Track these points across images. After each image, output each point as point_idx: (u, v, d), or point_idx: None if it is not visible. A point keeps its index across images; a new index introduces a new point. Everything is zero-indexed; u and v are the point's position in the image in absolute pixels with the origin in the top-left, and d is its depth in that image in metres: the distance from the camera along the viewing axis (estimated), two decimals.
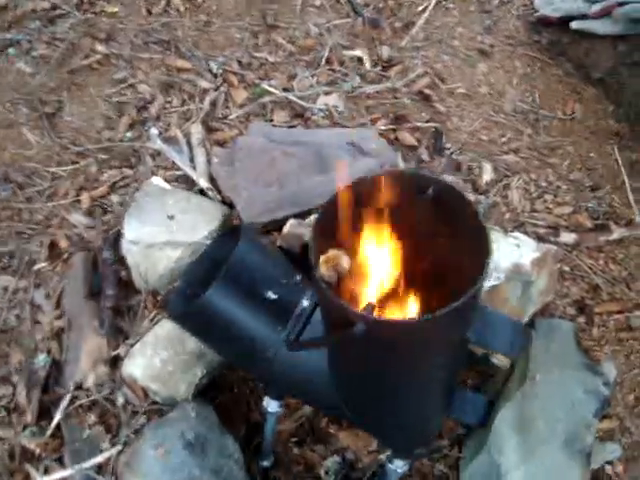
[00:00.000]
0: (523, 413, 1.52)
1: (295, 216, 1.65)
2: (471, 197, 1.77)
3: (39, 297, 1.64)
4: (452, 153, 1.86)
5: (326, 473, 1.55)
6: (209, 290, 1.15)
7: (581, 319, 1.64)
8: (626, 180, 1.80)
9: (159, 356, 1.50)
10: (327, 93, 1.94)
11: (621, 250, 1.73)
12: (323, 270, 0.85)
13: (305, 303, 1.25)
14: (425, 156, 1.84)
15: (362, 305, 0.87)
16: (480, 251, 0.89)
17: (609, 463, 1.53)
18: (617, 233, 1.73)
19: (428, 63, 2.02)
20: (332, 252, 0.87)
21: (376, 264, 0.93)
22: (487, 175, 1.83)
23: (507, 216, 1.76)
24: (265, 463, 1.56)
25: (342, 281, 0.89)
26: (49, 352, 1.57)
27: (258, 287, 1.21)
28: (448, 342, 0.96)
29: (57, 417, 1.50)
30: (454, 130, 1.91)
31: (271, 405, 1.45)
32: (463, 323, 0.90)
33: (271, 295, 1.21)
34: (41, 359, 1.56)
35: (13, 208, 1.73)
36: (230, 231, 1.34)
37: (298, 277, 1.29)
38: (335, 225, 0.89)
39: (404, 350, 0.90)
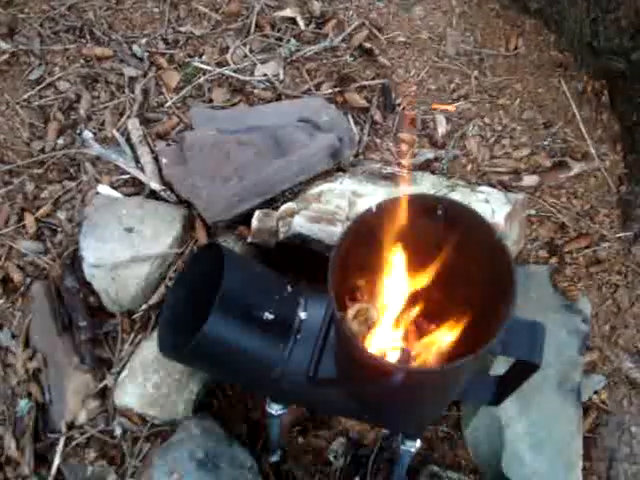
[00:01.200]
0: None
1: (260, 206, 1.59)
2: (430, 154, 1.74)
3: (4, 338, 1.53)
4: (403, 108, 1.81)
5: (335, 457, 1.57)
6: (206, 324, 1.10)
7: (553, 260, 1.68)
8: (576, 112, 1.80)
9: (151, 381, 1.45)
10: (264, 62, 1.82)
11: (580, 185, 1.75)
12: (354, 326, 0.82)
13: (302, 315, 1.22)
14: (378, 116, 1.78)
15: (391, 349, 0.84)
16: (501, 276, 0.87)
17: (595, 392, 1.63)
18: (577, 168, 1.75)
19: (363, 13, 1.91)
20: (360, 306, 0.83)
21: (395, 299, 0.90)
22: (442, 127, 1.79)
23: (469, 167, 1.74)
24: (274, 459, 1.57)
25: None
26: (30, 396, 1.48)
27: (253, 311, 1.16)
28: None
29: (56, 461, 1.44)
30: (402, 83, 1.84)
31: (274, 408, 1.44)
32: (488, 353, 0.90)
33: (268, 316, 1.17)
34: (23, 405, 1.48)
35: None
36: (204, 249, 1.27)
37: (289, 287, 1.24)
38: (348, 264, 0.85)
39: (430, 384, 0.89)
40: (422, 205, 0.88)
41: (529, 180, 1.74)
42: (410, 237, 0.87)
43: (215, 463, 1.41)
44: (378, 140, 1.76)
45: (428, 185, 1.66)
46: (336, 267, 0.80)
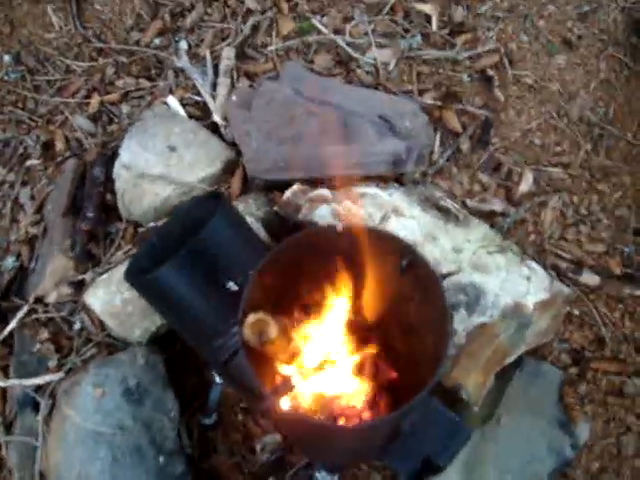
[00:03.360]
0: (475, 454, 1.43)
1: (302, 181, 1.53)
2: (499, 206, 1.60)
3: (24, 196, 1.58)
4: (496, 150, 1.67)
5: (261, 450, 1.52)
6: (162, 267, 1.06)
7: (573, 370, 1.51)
8: None
9: (122, 295, 1.43)
10: (381, 46, 1.73)
11: None
12: (247, 333, 0.75)
13: None
14: (465, 147, 1.65)
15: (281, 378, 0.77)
16: (435, 351, 0.76)
17: None
18: None
19: (503, 39, 1.77)
20: (261, 316, 0.76)
21: (321, 325, 0.82)
22: (526, 185, 1.64)
23: (532, 237, 1.59)
24: (206, 421, 1.54)
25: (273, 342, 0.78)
26: (19, 257, 1.52)
27: (219, 274, 1.11)
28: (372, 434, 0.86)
29: (12, 325, 1.47)
30: (507, 124, 1.69)
31: (218, 377, 1.40)
32: (396, 422, 0.80)
33: (232, 286, 1.11)
34: (10, 262, 1.52)
35: (19, 94, 1.64)
36: (212, 196, 1.23)
37: None
38: (281, 273, 0.77)
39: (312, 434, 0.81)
40: (390, 247, 0.79)
41: (589, 278, 1.56)
42: (362, 270, 0.78)
43: (141, 397, 1.39)
44: (454, 169, 1.64)
45: (479, 236, 1.52)
46: (268, 263, 0.73)
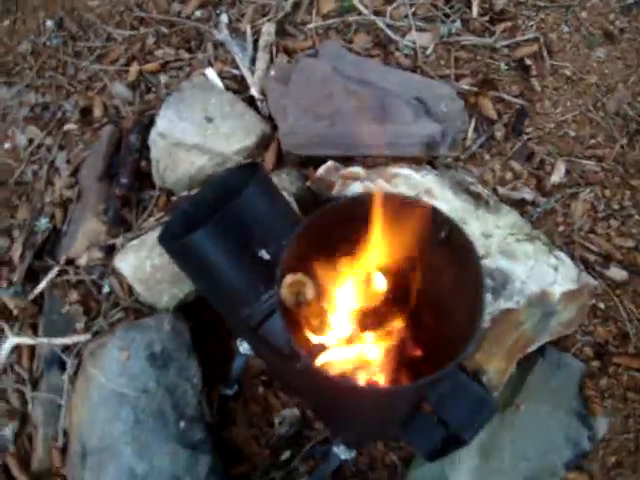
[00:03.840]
0: (494, 438, 1.44)
1: (336, 159, 1.54)
2: (530, 195, 1.60)
3: (60, 159, 1.60)
4: (529, 139, 1.66)
5: (280, 423, 1.53)
6: (196, 232, 1.07)
7: (595, 363, 1.51)
8: None
9: (152, 260, 1.45)
10: (420, 30, 1.73)
11: None
12: (284, 293, 0.76)
13: None
14: (499, 134, 1.65)
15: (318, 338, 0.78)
16: (469, 323, 0.77)
17: None
18: None
19: (543, 29, 1.76)
20: (300, 277, 0.77)
21: (352, 295, 0.83)
22: (558, 176, 1.63)
23: (561, 228, 1.58)
24: (227, 392, 1.56)
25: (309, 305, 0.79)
26: (52, 218, 1.55)
27: (252, 243, 1.12)
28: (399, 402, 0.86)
29: (42, 284, 1.50)
30: (542, 114, 1.69)
31: (243, 346, 1.41)
32: (423, 393, 0.81)
33: (264, 255, 1.12)
34: (43, 222, 1.55)
35: (60, 60, 1.66)
36: (247, 167, 1.24)
37: None
38: (319, 241, 0.78)
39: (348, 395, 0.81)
40: (428, 218, 0.79)
41: (616, 273, 1.56)
42: (397, 242, 0.79)
43: (165, 363, 1.41)
44: (487, 157, 1.64)
45: (508, 223, 1.52)
46: (305, 229, 0.74)
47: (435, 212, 0.83)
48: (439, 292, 0.91)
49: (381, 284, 0.86)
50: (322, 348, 0.80)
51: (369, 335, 0.94)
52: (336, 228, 0.81)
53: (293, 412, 1.56)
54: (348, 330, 0.88)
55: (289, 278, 0.79)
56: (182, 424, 1.40)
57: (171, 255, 1.20)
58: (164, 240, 1.20)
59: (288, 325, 0.78)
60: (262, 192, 1.14)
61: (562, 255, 1.50)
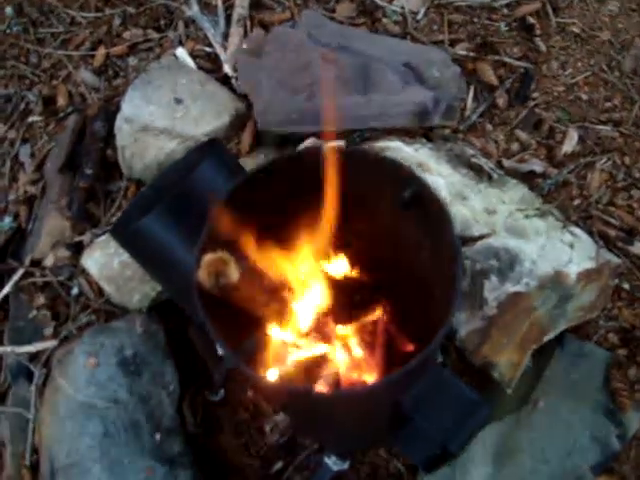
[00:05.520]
0: (509, 441, 1.28)
1: (318, 135, 1.39)
2: (539, 167, 1.43)
3: (24, 153, 1.48)
4: (536, 105, 1.50)
5: (271, 430, 1.39)
6: (145, 217, 0.94)
7: (622, 351, 1.33)
8: None
9: (120, 257, 1.32)
10: None
11: None
12: (202, 275, 0.62)
13: None
14: (502, 101, 1.49)
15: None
16: (446, 285, 0.62)
17: None
18: None
19: None
20: (221, 255, 0.62)
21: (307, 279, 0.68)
22: (570, 145, 1.46)
23: (576, 202, 1.41)
24: (213, 397, 1.42)
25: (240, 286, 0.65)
26: (16, 217, 1.43)
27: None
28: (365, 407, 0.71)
29: (7, 289, 1.38)
30: (549, 77, 1.52)
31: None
32: (392, 393, 0.66)
33: None
34: (6, 222, 1.43)
35: (22, 48, 1.54)
36: (207, 145, 1.10)
37: None
38: (254, 202, 0.64)
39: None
40: (392, 174, 0.65)
41: None
42: (361, 208, 0.64)
43: (137, 369, 1.28)
44: (489, 126, 1.47)
45: (515, 198, 1.36)
46: (237, 191, 0.60)
47: (395, 165, 0.68)
48: (418, 271, 0.76)
49: (341, 262, 0.72)
50: (260, 341, 0.66)
51: (339, 328, 0.80)
52: (277, 195, 0.67)
53: (285, 418, 1.42)
54: (308, 322, 0.74)
55: (208, 257, 0.65)
56: (158, 436, 1.26)
57: (124, 246, 1.07)
58: (116, 231, 1.07)
59: (206, 313, 0.64)
60: (218, 167, 1.00)
61: (578, 231, 1.33)
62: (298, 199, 0.67)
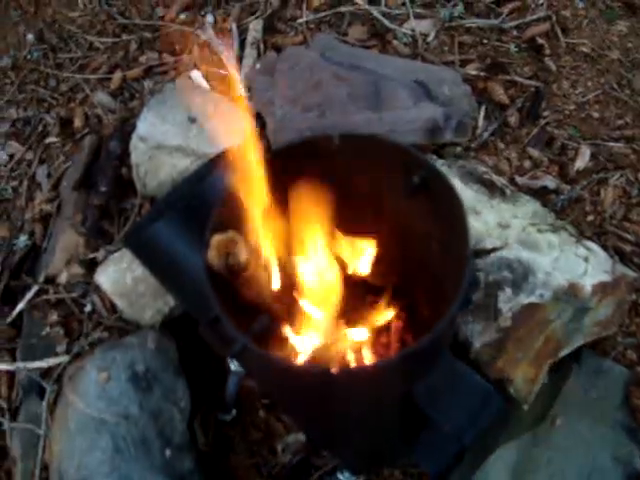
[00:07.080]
0: (526, 460, 1.24)
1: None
2: (552, 183, 1.43)
3: (41, 174, 1.51)
4: (548, 124, 1.50)
5: (283, 450, 1.36)
6: (155, 224, 0.95)
7: None
8: None
9: (133, 272, 1.33)
10: (419, 17, 1.61)
11: None
12: (212, 255, 0.62)
13: None
14: (513, 120, 1.49)
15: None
16: (455, 268, 0.61)
17: None
18: None
19: (555, 7, 1.61)
20: (230, 235, 0.62)
21: (305, 259, 0.68)
22: (582, 161, 1.46)
23: (590, 218, 1.41)
24: (224, 417, 1.40)
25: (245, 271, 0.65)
26: (32, 235, 1.45)
27: None
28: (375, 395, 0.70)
29: (20, 306, 1.39)
30: (560, 96, 1.53)
31: (234, 363, 1.26)
32: (404, 378, 0.65)
33: None
34: (22, 240, 1.44)
35: (41, 72, 1.59)
36: (219, 156, 1.12)
37: None
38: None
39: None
40: (400, 160, 0.65)
41: None
42: (363, 189, 0.64)
43: (149, 384, 1.27)
44: (501, 145, 1.48)
45: (528, 212, 1.36)
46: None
47: (403, 151, 0.68)
48: (430, 269, 0.75)
49: (349, 255, 0.71)
50: (268, 323, 0.65)
51: (348, 329, 0.79)
52: (285, 180, 0.68)
53: (298, 438, 1.39)
54: (316, 316, 0.73)
55: (217, 237, 0.65)
56: (168, 452, 1.24)
57: (136, 255, 1.08)
58: (128, 238, 1.08)
59: (216, 295, 0.63)
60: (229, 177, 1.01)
61: (592, 245, 1.32)
62: (305, 185, 0.68)
